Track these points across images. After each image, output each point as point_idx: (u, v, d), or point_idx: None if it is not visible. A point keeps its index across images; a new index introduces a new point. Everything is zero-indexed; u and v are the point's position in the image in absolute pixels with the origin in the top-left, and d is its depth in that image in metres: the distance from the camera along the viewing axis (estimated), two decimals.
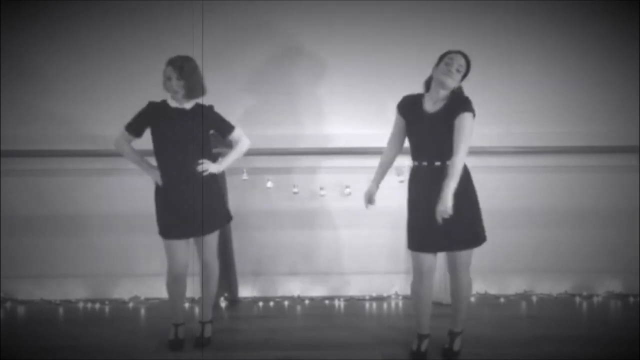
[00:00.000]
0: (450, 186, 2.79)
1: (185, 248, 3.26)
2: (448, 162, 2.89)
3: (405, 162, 3.19)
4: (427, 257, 3.06)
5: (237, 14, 3.88)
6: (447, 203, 2.76)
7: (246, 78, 3.93)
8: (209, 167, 3.23)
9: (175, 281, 3.29)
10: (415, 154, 3.03)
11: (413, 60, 3.87)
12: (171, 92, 3.17)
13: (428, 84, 3.03)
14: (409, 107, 3.02)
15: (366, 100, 3.95)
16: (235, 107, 3.37)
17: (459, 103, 2.89)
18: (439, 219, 2.81)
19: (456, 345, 3.22)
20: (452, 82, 2.90)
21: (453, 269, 3.10)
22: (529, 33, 3.92)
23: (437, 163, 2.94)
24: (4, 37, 3.86)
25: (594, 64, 3.96)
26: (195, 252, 3.37)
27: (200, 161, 3.20)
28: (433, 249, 3.04)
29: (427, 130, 2.94)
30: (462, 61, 2.92)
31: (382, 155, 3.18)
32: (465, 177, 2.97)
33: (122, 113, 3.33)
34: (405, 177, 3.18)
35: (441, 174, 2.88)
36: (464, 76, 2.96)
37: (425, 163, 2.97)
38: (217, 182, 3.32)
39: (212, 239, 3.33)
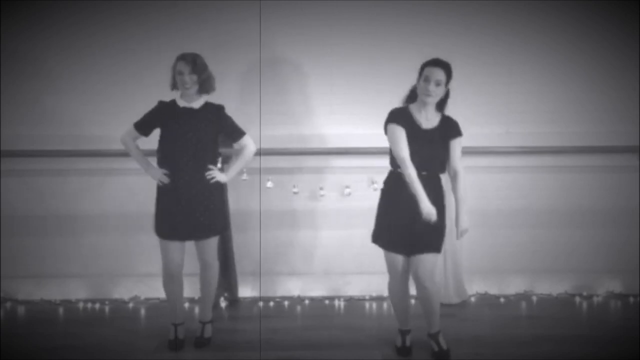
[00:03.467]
0: (465, 206, 3.07)
1: (180, 247, 3.26)
2: (441, 175, 3.10)
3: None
4: (403, 259, 3.13)
5: (237, 14, 3.88)
6: (466, 224, 3.07)
7: (245, 78, 3.93)
8: (217, 176, 3.23)
9: (170, 279, 3.29)
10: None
11: (413, 60, 3.83)
12: (182, 87, 3.16)
13: (412, 93, 3.10)
14: (404, 120, 3.05)
15: (366, 100, 3.95)
16: (235, 108, 3.38)
17: (452, 126, 3.09)
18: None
19: (443, 345, 3.25)
20: (433, 100, 3.02)
21: (416, 277, 3.11)
22: (528, 33, 3.92)
23: (430, 173, 3.06)
24: (5, 37, 3.86)
25: (594, 64, 3.96)
26: (196, 253, 3.37)
27: (209, 167, 3.20)
28: (409, 252, 3.11)
29: (427, 145, 3.03)
30: (440, 74, 2.97)
31: (414, 172, 3.02)
32: (440, 186, 3.13)
33: (123, 114, 3.33)
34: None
35: (431, 182, 3.06)
36: (447, 83, 3.02)
37: (424, 173, 3.04)
38: (220, 189, 3.31)
39: (212, 241, 3.32)
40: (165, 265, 3.26)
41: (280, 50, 3.92)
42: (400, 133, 3.01)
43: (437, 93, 2.98)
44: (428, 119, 3.06)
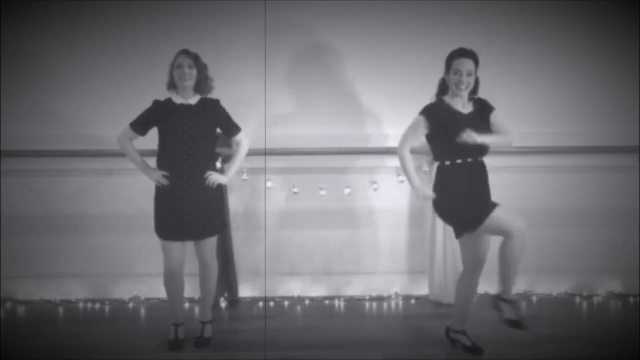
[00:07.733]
0: (497, 138, 3.06)
1: (182, 246, 3.26)
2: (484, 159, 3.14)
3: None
4: (483, 244, 3.27)
5: (238, 14, 3.88)
6: (478, 138, 2.94)
7: (245, 79, 3.93)
8: (217, 178, 3.22)
9: (171, 279, 3.29)
10: (456, 152, 3.07)
11: (415, 60, 3.88)
12: (180, 80, 3.14)
13: (443, 85, 3.12)
14: (439, 112, 3.08)
15: (367, 100, 3.95)
16: (235, 108, 3.38)
17: (484, 104, 3.16)
18: (467, 137, 2.95)
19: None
20: (467, 91, 3.07)
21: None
22: (529, 33, 3.92)
23: (480, 158, 3.11)
24: (5, 36, 3.86)
25: (594, 64, 3.97)
26: (195, 253, 3.37)
27: (208, 173, 3.19)
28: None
29: (472, 129, 3.01)
30: (470, 64, 3.02)
31: (407, 159, 3.14)
32: (485, 170, 3.18)
33: (123, 114, 3.33)
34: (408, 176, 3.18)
35: (477, 168, 3.11)
36: (476, 71, 3.07)
37: (469, 159, 3.08)
38: (219, 188, 3.30)
39: (211, 240, 3.32)
40: (167, 264, 3.26)
41: (280, 50, 3.92)
42: (419, 125, 3.07)
43: (470, 83, 3.03)
44: (464, 106, 3.10)
